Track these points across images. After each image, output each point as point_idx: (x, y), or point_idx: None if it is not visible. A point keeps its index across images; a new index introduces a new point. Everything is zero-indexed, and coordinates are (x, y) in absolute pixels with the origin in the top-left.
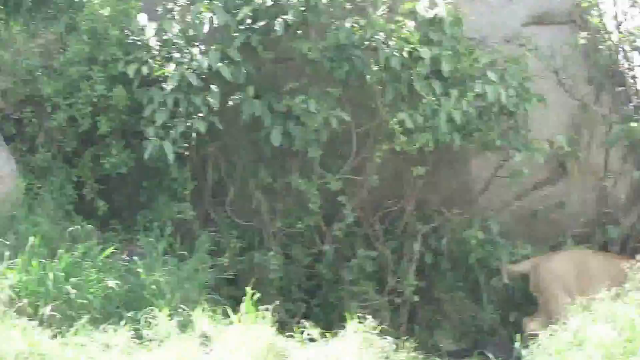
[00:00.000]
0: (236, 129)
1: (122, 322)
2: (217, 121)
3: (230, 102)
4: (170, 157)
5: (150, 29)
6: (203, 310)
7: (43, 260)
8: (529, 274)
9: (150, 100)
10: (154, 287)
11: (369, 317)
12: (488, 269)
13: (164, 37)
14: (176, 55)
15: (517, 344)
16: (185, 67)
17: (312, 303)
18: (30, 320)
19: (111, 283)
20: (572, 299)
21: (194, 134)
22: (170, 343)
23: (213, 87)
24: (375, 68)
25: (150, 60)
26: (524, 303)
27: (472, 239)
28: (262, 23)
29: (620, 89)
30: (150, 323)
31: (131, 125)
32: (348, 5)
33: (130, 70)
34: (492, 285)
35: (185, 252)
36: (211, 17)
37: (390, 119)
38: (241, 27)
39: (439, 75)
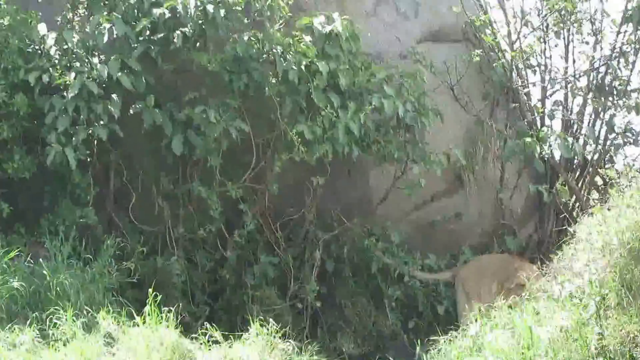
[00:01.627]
0: (138, 137)
1: (28, 322)
2: (118, 129)
3: (132, 111)
4: (72, 163)
5: (50, 38)
6: (107, 312)
7: None
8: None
9: (51, 108)
10: (58, 288)
11: (272, 321)
12: (390, 276)
13: (64, 47)
14: (76, 64)
15: (418, 349)
16: (86, 76)
17: (216, 306)
18: None
19: (16, 284)
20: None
21: (95, 141)
22: (76, 343)
23: (114, 95)
24: (273, 81)
25: (50, 69)
26: (423, 310)
27: (373, 246)
28: (160, 35)
29: (514, 105)
30: (55, 323)
31: (33, 131)
32: (245, 19)
33: (31, 78)
34: (393, 293)
35: (90, 256)
36: (111, 27)
37: (289, 130)
38: (140, 38)
39: (337, 89)
